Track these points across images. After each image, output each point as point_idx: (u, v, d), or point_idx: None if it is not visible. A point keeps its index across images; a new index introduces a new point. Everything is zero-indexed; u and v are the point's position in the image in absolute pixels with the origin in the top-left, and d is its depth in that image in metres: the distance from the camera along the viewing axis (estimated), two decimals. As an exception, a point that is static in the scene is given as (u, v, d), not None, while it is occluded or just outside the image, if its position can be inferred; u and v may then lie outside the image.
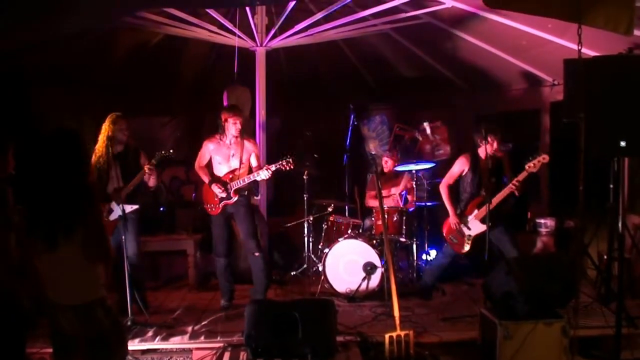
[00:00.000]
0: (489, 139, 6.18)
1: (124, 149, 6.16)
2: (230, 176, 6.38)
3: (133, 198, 6.09)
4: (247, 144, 6.47)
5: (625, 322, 5.09)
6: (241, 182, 6.33)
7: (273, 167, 6.18)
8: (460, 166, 6.54)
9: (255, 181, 6.55)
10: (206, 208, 6.54)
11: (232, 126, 6.32)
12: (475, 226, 6.40)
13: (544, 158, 5.91)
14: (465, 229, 6.46)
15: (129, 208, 5.90)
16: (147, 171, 6.02)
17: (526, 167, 5.97)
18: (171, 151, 6.24)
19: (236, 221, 6.59)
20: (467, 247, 6.48)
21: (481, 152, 6.35)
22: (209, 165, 6.55)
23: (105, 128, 6.05)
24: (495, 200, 6.12)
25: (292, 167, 6.20)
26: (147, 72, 8.94)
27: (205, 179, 6.45)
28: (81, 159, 3.34)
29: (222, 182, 6.36)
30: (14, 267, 3.62)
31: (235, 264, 7.21)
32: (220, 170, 6.45)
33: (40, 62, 7.44)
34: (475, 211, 6.38)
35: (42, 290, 3.32)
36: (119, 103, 6.75)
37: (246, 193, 6.55)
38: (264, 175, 6.22)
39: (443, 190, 6.63)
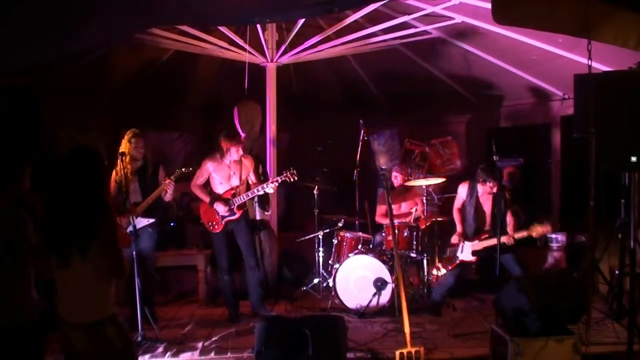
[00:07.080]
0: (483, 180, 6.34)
1: (143, 164, 6.25)
2: (233, 192, 6.43)
3: (151, 212, 6.15)
4: (245, 162, 6.56)
5: (637, 338, 5.04)
6: (244, 197, 6.41)
7: (279, 179, 6.28)
8: (460, 194, 6.71)
9: (265, 196, 6.56)
10: (207, 226, 6.57)
11: (235, 153, 6.40)
12: (466, 253, 6.50)
13: (547, 229, 6.03)
14: (459, 250, 6.56)
15: (145, 221, 5.95)
16: (166, 187, 6.09)
17: (532, 228, 6.04)
18: (190, 169, 6.30)
19: (237, 236, 6.59)
20: (449, 267, 6.67)
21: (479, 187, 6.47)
22: (206, 184, 6.58)
23: (123, 144, 6.09)
24: (489, 243, 6.24)
25: (295, 178, 6.30)
26: (157, 87, 9.00)
27: (205, 198, 6.47)
28: (99, 178, 3.35)
29: (225, 200, 6.40)
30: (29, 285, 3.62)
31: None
32: (220, 189, 6.51)
33: (49, 78, 7.49)
34: (476, 241, 6.42)
35: (54, 307, 3.33)
36: (129, 118, 6.78)
37: (246, 208, 6.61)
38: (269, 189, 6.31)
39: (454, 213, 6.79)
